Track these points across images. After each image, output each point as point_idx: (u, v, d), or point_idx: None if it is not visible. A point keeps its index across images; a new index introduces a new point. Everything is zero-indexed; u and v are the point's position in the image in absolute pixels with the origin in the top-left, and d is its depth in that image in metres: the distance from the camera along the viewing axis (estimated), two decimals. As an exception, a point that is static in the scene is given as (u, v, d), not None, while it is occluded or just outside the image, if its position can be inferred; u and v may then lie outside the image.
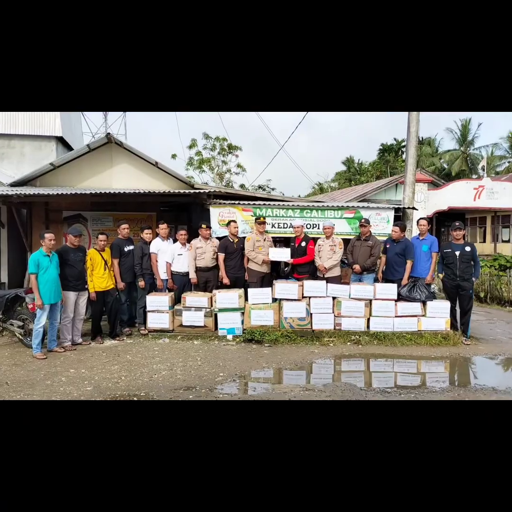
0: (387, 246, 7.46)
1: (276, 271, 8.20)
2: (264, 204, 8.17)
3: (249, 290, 7.14)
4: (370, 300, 7.02)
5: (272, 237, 7.79)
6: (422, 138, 34.75)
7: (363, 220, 7.48)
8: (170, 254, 7.33)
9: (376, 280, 7.53)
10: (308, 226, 7.95)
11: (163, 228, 7.42)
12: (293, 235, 7.63)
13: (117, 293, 6.95)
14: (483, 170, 22.75)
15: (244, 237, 7.52)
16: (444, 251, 7.11)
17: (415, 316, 7.03)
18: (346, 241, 7.63)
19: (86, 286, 6.56)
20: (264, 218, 7.56)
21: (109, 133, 9.37)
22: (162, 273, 7.31)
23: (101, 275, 6.64)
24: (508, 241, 21.39)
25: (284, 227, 8.00)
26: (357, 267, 7.33)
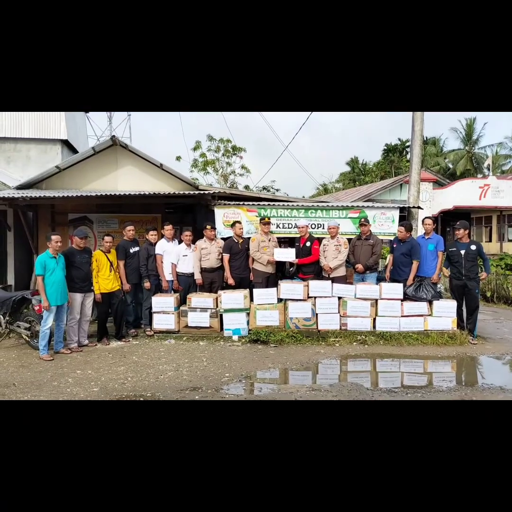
0: (394, 245, 7.44)
1: (281, 271, 8.19)
2: (268, 204, 8.17)
3: (254, 290, 7.14)
4: (376, 300, 7.00)
5: (277, 238, 7.79)
6: (427, 137, 34.67)
7: (362, 220, 7.49)
8: (175, 255, 7.34)
9: (382, 279, 7.51)
10: (313, 226, 7.94)
11: (168, 229, 7.44)
12: (298, 235, 7.63)
13: (123, 294, 6.97)
14: (489, 169, 22.63)
15: (249, 238, 7.52)
16: (450, 250, 7.08)
17: (422, 315, 7.00)
18: (350, 241, 7.62)
19: (92, 288, 6.58)
20: (269, 219, 7.56)
21: (114, 136, 9.40)
22: (167, 274, 7.33)
23: (106, 277, 6.66)
24: (514, 240, 21.25)
25: (289, 227, 8.00)
26: (359, 266, 7.31)
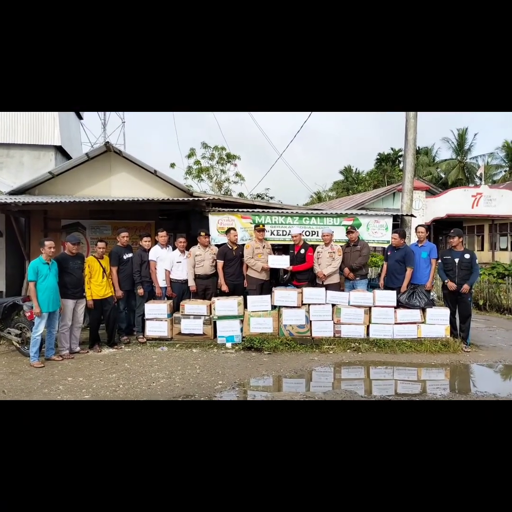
0: (388, 253, 7.45)
1: (275, 278, 8.17)
2: (263, 211, 8.17)
3: (248, 297, 7.11)
4: (370, 307, 7.00)
5: (271, 244, 7.78)
6: (419, 147, 35.06)
7: (349, 227, 7.52)
8: (169, 262, 7.31)
9: (375, 287, 7.52)
10: (307, 233, 7.94)
11: (162, 235, 7.41)
12: (292, 243, 7.63)
13: (115, 301, 6.91)
14: (481, 178, 22.88)
15: (243, 244, 7.51)
16: (444, 257, 7.10)
17: (415, 323, 7.00)
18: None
19: (84, 294, 6.52)
20: (264, 225, 7.56)
21: (108, 142, 9.38)
22: (161, 281, 7.28)
23: (99, 283, 6.60)
24: (506, 249, 21.46)
25: (283, 234, 7.99)
26: (346, 269, 7.32)
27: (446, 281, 7.03)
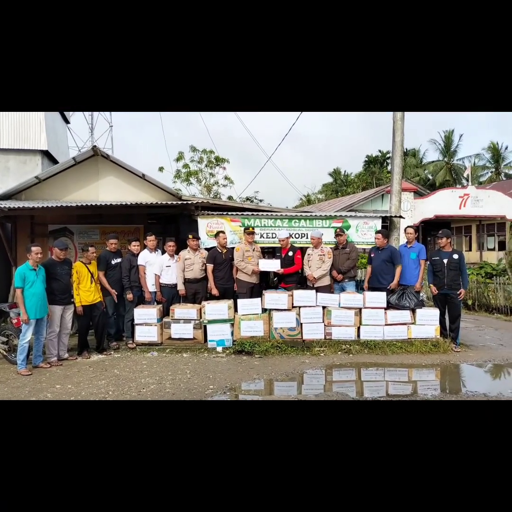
0: (372, 255, 7.47)
1: (266, 281, 8.16)
2: (252, 214, 8.16)
3: (238, 300, 7.09)
4: (360, 309, 7.01)
5: (261, 247, 7.77)
6: (407, 149, 35.41)
7: (338, 230, 7.53)
8: (158, 266, 7.26)
9: (362, 289, 7.54)
10: (297, 235, 7.94)
11: (151, 239, 7.35)
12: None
13: (104, 306, 6.84)
14: (468, 179, 23.14)
15: (233, 248, 7.48)
16: (433, 258, 7.15)
17: (405, 324, 7.03)
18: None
19: (72, 300, 6.44)
20: (253, 228, 7.54)
21: (95, 146, 9.30)
22: (150, 285, 7.23)
23: (87, 289, 6.52)
24: (493, 249, 21.71)
25: (272, 237, 7.98)
26: (334, 272, 7.33)
27: (429, 284, 7.16)
